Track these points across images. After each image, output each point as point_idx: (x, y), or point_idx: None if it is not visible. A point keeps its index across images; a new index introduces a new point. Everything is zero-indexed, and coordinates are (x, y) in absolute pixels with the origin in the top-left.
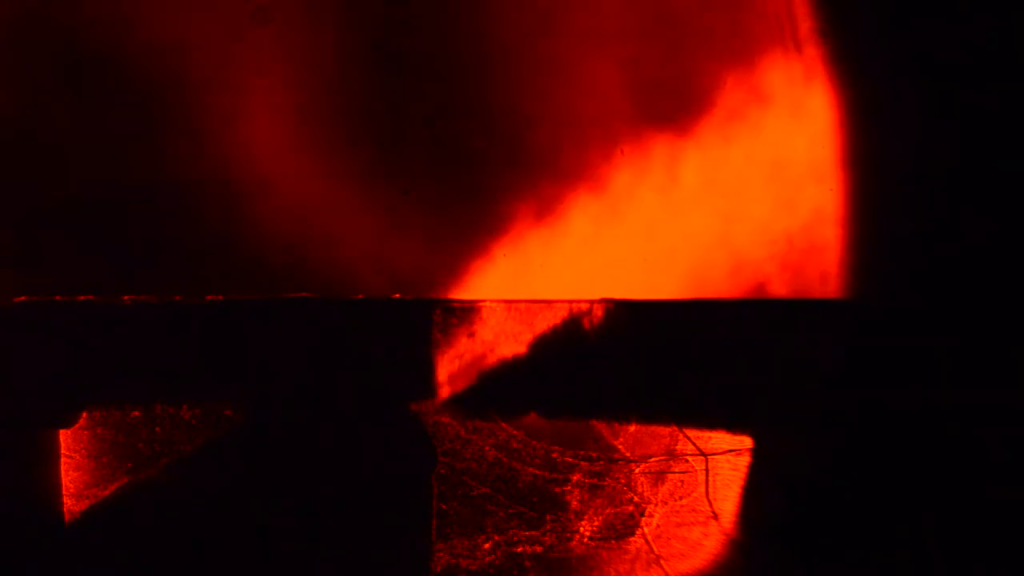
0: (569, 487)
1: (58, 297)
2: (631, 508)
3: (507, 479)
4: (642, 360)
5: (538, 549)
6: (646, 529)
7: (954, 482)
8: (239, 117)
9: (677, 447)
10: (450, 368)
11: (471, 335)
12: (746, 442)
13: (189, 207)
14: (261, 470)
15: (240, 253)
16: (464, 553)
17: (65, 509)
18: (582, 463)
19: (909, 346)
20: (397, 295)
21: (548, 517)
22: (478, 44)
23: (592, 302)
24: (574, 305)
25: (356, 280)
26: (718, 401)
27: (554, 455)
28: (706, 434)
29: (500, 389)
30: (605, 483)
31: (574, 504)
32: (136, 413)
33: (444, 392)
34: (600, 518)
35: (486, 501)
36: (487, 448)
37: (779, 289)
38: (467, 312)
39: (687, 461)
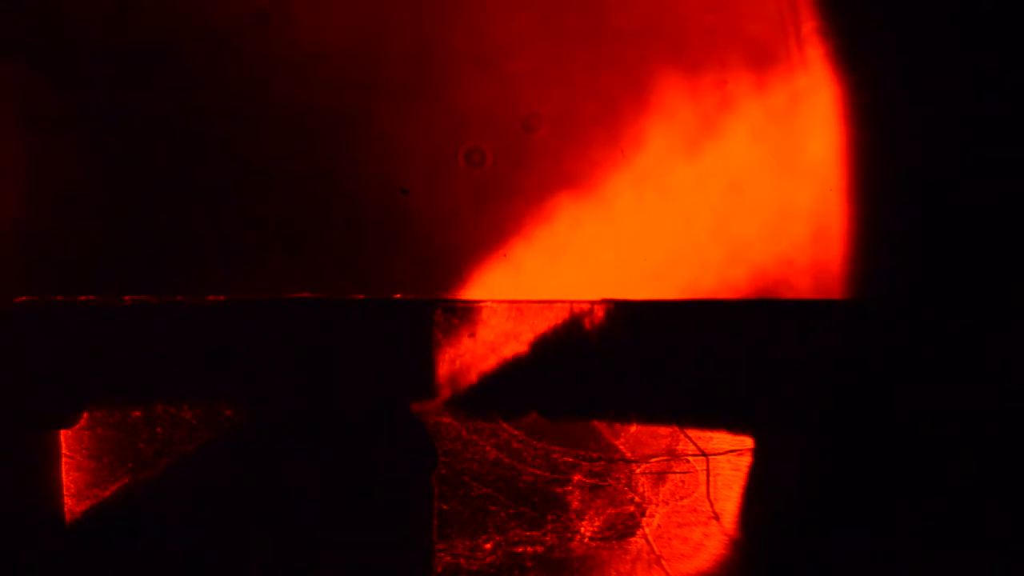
0: (570, 487)
1: (58, 297)
2: (632, 508)
3: (508, 479)
4: (642, 360)
5: (539, 549)
6: (647, 529)
7: (954, 482)
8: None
9: (678, 447)
10: (451, 368)
11: (472, 335)
12: (747, 442)
13: (189, 207)
14: (261, 470)
15: (241, 253)
16: (465, 553)
17: (66, 509)
18: (583, 463)
19: (909, 346)
20: (398, 295)
21: (549, 517)
22: (479, 44)
23: (592, 302)
24: (575, 305)
25: (356, 280)
26: (718, 401)
27: (555, 455)
28: (707, 434)
29: (501, 389)
30: (606, 483)
31: (575, 504)
32: (136, 413)
33: (445, 392)
34: (601, 518)
35: (487, 501)
36: (488, 448)
37: (779, 289)
38: (468, 312)
39: (688, 461)
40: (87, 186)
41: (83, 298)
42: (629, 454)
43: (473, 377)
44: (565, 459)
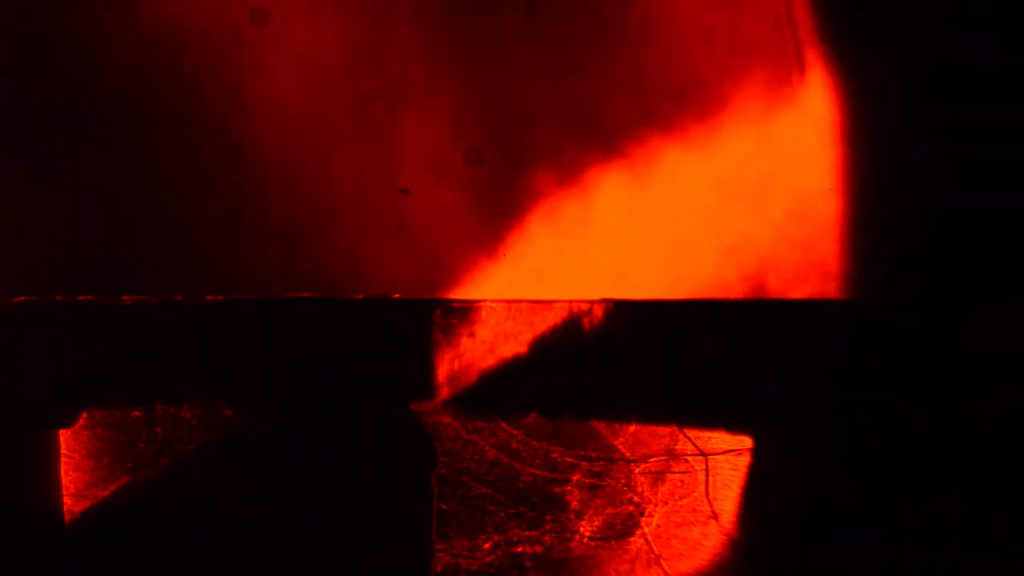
0: (569, 487)
1: (58, 297)
2: (631, 508)
3: (507, 479)
4: (642, 360)
5: (538, 549)
6: (646, 529)
7: (954, 481)
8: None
9: (677, 447)
10: (450, 368)
11: (471, 335)
12: (746, 442)
13: (190, 207)
14: (261, 470)
15: (240, 253)
16: (464, 553)
17: (65, 509)
18: (582, 463)
19: (909, 346)
20: (397, 295)
21: (548, 517)
22: (477, 45)
23: (592, 302)
24: (574, 305)
25: (356, 280)
26: (718, 401)
27: (554, 455)
28: (706, 434)
29: (500, 389)
30: (605, 483)
31: (574, 504)
32: (136, 413)
33: (444, 392)
34: (600, 518)
35: (486, 501)
36: (487, 448)
37: (779, 289)
38: (467, 312)
39: (687, 461)
40: (88, 185)
41: (83, 298)
42: (628, 454)
43: (472, 377)
44: (564, 459)
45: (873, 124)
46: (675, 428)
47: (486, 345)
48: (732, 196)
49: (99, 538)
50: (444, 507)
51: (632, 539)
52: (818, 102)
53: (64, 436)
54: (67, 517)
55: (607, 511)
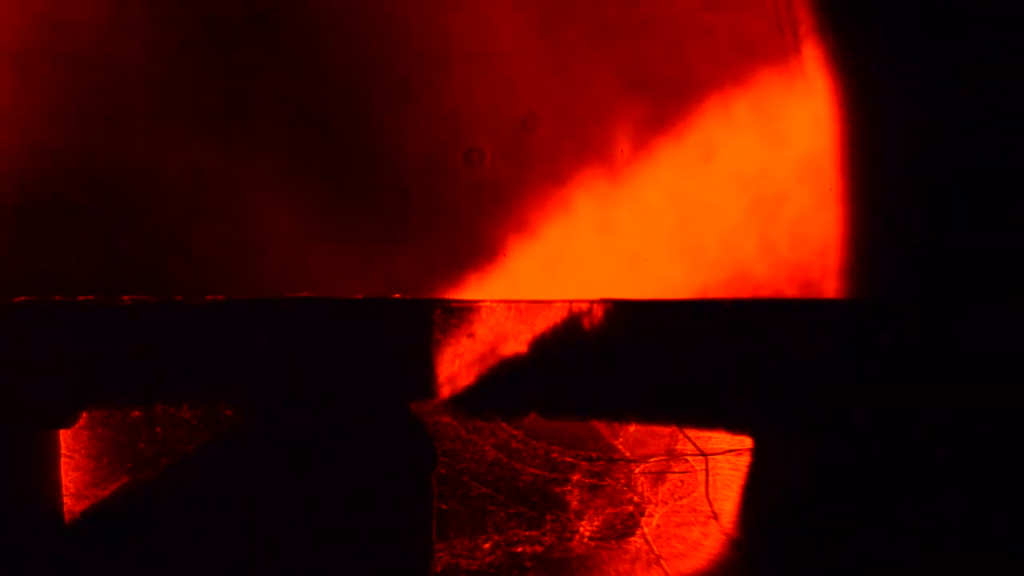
0: (569, 487)
1: (58, 297)
2: (631, 508)
3: (507, 479)
4: (642, 360)
5: (538, 549)
6: (646, 529)
7: (953, 482)
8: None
9: (677, 447)
10: (450, 368)
11: (471, 335)
12: (746, 442)
13: (190, 208)
14: (261, 470)
15: (240, 253)
16: (464, 553)
17: (65, 509)
18: (582, 463)
19: (908, 346)
20: (397, 295)
21: (548, 517)
22: (478, 43)
23: (592, 302)
24: (574, 305)
25: (356, 280)
26: (718, 401)
27: (554, 455)
28: (706, 434)
29: (500, 389)
30: (605, 483)
31: (574, 504)
32: (136, 413)
33: (444, 392)
34: (600, 518)
35: (486, 501)
36: (487, 448)
37: (779, 289)
38: (467, 312)
39: (687, 461)
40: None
41: (83, 298)
42: (628, 454)
43: (472, 377)
44: (564, 459)
45: (872, 122)
46: (675, 428)
47: (486, 345)
48: (731, 196)
49: (99, 538)
50: (444, 507)
51: (632, 539)
52: (818, 101)
53: (64, 436)
54: (67, 517)
55: (607, 511)
